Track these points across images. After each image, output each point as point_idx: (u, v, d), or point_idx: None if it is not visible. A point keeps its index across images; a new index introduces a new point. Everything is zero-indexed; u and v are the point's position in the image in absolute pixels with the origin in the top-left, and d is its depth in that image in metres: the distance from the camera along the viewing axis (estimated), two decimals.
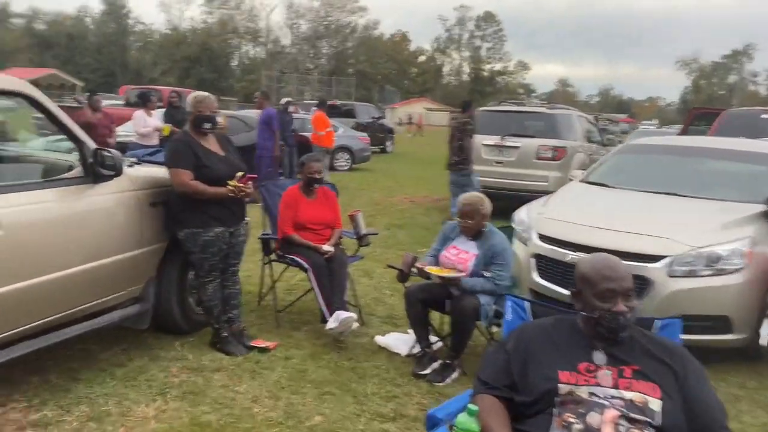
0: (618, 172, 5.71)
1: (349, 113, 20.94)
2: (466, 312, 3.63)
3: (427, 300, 3.86)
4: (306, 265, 4.28)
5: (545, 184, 9.05)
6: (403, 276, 4.00)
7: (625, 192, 5.15)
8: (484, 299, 3.68)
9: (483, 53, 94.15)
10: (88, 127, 8.26)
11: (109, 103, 15.15)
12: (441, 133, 36.85)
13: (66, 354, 3.74)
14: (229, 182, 3.76)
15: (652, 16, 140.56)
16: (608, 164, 5.87)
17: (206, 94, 3.93)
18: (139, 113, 9.16)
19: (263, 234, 4.60)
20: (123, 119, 11.52)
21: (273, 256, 4.60)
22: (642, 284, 4.01)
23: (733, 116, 10.35)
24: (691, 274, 3.99)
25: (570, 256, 4.26)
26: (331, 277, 4.27)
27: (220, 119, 10.15)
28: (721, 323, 3.99)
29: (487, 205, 3.82)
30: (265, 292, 4.84)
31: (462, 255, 3.84)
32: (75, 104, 13.22)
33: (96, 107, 8.94)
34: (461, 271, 3.72)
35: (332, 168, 14.67)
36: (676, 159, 5.60)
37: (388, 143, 22.79)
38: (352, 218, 4.70)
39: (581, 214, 4.69)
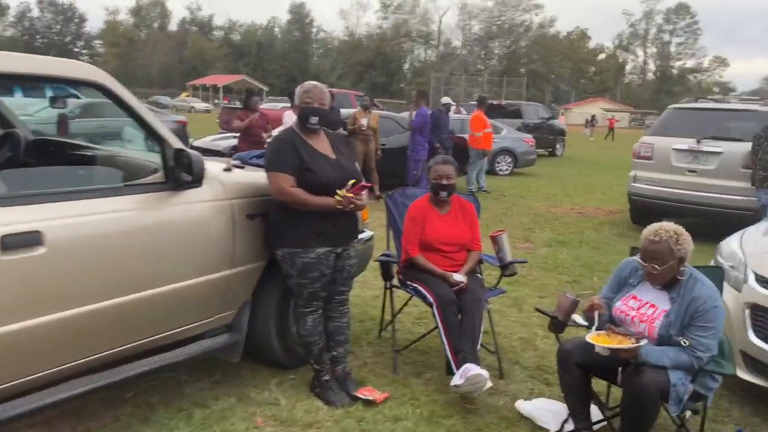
0: None
1: (515, 113, 19.61)
2: (646, 392, 2.51)
3: (590, 365, 2.79)
4: (430, 299, 3.41)
5: (754, 199, 7.22)
6: (557, 325, 2.97)
7: None
8: (675, 376, 2.53)
9: (672, 49, 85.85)
10: (246, 128, 8.24)
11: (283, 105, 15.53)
12: (621, 136, 33.54)
13: (150, 385, 3.28)
14: (338, 191, 3.03)
15: None
16: None
17: (315, 83, 3.23)
18: (288, 113, 8.95)
19: (383, 255, 3.81)
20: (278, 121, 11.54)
21: (395, 281, 3.80)
22: None
23: None
24: None
25: None
26: (462, 317, 3.36)
27: (364, 121, 9.72)
28: None
29: (686, 243, 2.64)
30: (386, 323, 4.05)
31: (646, 311, 2.71)
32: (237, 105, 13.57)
33: (254, 108, 8.90)
34: (642, 338, 2.59)
35: (492, 172, 13.63)
36: None
37: (558, 146, 21.04)
38: (495, 240, 3.73)
39: None
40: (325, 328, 3.31)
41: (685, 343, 2.55)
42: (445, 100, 11.31)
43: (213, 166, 3.17)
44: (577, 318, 3.07)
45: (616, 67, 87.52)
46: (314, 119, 3.13)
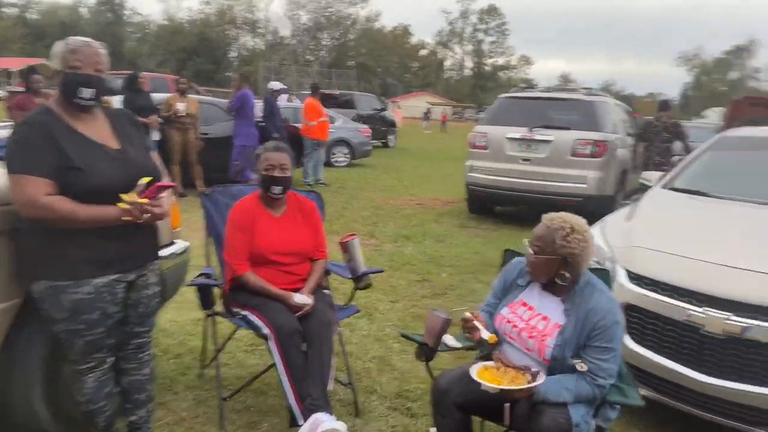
0: (715, 175, 4.06)
1: (348, 104, 19.24)
2: None
3: (473, 404, 2.22)
4: (265, 330, 2.63)
5: (583, 186, 7.42)
6: (427, 353, 2.37)
7: (738, 205, 3.50)
8: (578, 413, 2.04)
9: (486, 47, 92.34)
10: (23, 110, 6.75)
11: None
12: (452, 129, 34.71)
13: None
14: (123, 197, 2.11)
15: (653, 10, 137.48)
16: (699, 165, 4.20)
17: (87, 40, 2.26)
18: (116, 99, 7.61)
19: (201, 274, 2.93)
20: None
21: (218, 308, 2.94)
22: None
23: None
24: None
25: (692, 312, 2.62)
26: (309, 349, 2.62)
27: (180, 106, 8.55)
28: None
29: (577, 244, 2.15)
30: (211, 358, 3.19)
31: (537, 323, 2.20)
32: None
33: (37, 90, 7.33)
34: (538, 373, 2.06)
35: (329, 164, 13.04)
36: None
37: (390, 137, 21.12)
38: (345, 247, 3.03)
39: (692, 241, 3.03)
40: (118, 384, 2.39)
41: (582, 368, 2.08)
42: (276, 85, 10.45)
43: None
44: (450, 340, 2.50)
45: (436, 62, 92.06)
46: (87, 92, 2.16)
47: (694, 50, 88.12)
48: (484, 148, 8.06)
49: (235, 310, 2.83)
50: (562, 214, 2.22)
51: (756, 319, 2.48)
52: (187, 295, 3.76)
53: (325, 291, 3.02)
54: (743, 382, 2.51)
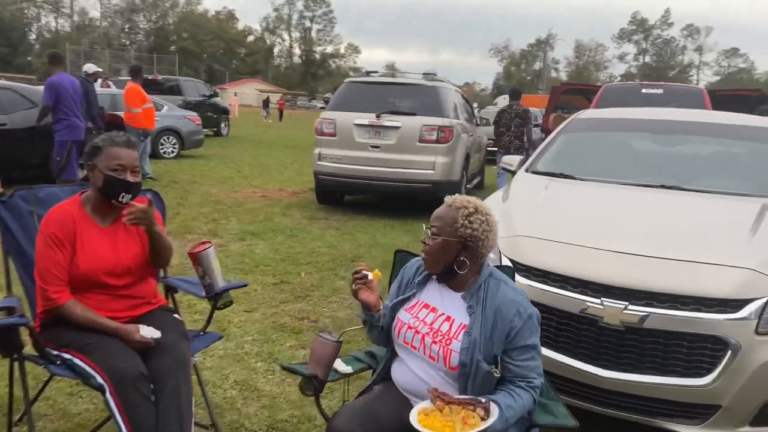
0: (575, 157, 4.09)
1: (174, 90, 17.72)
2: None
3: None
4: (98, 379, 2.00)
5: (431, 172, 7.39)
6: (317, 386, 1.93)
7: (605, 187, 3.51)
8: None
9: (314, 35, 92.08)
10: None
11: None
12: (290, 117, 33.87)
13: None
14: None
15: (468, 5, 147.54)
16: (556, 147, 4.21)
17: None
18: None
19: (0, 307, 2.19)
20: None
21: (29, 350, 2.22)
22: (714, 351, 2.36)
23: (613, 90, 9.56)
24: None
25: (589, 304, 2.48)
26: (158, 398, 2.04)
27: None
28: None
29: (479, 226, 1.87)
30: (19, 416, 2.44)
31: (440, 326, 1.88)
32: None
33: None
34: (488, 404, 1.71)
35: (155, 155, 11.83)
36: (652, 137, 4.11)
37: (222, 125, 19.91)
38: (197, 259, 2.45)
39: (579, 227, 2.91)
40: None
41: (497, 374, 1.80)
42: (91, 67, 9.12)
43: None
44: (341, 366, 2.09)
45: (264, 49, 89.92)
46: None
47: (503, 43, 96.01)
48: (332, 135, 7.69)
49: (53, 353, 2.15)
50: (465, 195, 1.94)
51: (653, 306, 2.39)
52: None
53: (175, 316, 2.43)
54: (642, 373, 2.42)
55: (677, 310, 2.38)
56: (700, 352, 2.37)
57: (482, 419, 1.64)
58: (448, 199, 1.94)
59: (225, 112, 20.56)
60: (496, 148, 9.51)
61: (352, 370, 2.09)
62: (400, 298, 2.01)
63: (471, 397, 1.73)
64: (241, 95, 48.99)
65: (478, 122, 11.29)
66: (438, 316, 1.91)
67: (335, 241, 6.21)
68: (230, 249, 5.70)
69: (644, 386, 2.42)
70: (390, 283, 2.31)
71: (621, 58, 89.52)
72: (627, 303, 2.42)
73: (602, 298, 2.46)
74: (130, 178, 2.25)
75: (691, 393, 2.38)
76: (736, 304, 2.36)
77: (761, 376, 2.33)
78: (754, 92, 9.90)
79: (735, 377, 2.34)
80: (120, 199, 2.24)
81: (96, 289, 2.23)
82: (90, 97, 8.33)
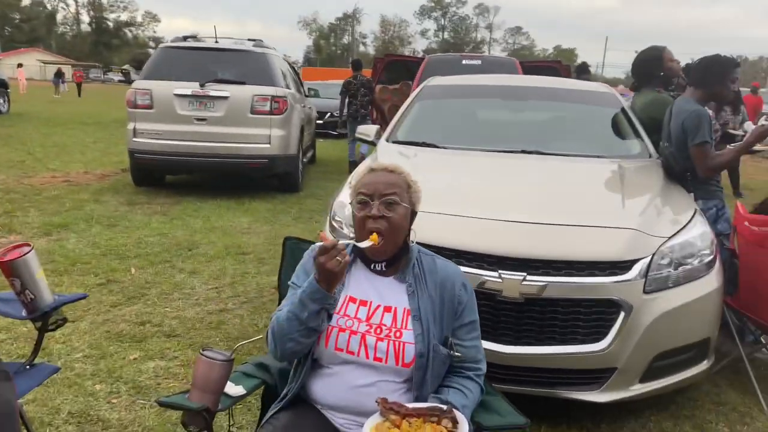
0: (434, 125, 3.95)
1: None
2: None
3: None
4: None
5: (266, 146, 6.91)
6: (207, 419, 1.51)
7: (470, 155, 3.40)
8: None
9: (104, 1, 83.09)
10: None
11: None
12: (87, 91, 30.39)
13: None
14: None
15: None
16: (412, 116, 4.04)
17: None
18: None
19: None
20: None
21: None
22: (608, 315, 2.35)
23: (436, 62, 9.78)
24: (664, 284, 2.46)
25: (487, 278, 2.33)
26: None
27: None
28: (701, 350, 2.61)
29: (419, 193, 1.65)
30: None
31: (380, 319, 1.56)
32: None
33: None
34: (451, 419, 1.38)
35: None
36: (503, 103, 4.11)
37: (1, 100, 17.01)
38: (9, 269, 1.81)
39: (465, 199, 2.73)
40: None
41: (457, 356, 1.55)
42: None
43: None
44: (232, 389, 1.66)
45: (45, 15, 79.26)
46: None
47: (311, 16, 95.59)
48: (149, 107, 6.79)
49: None
50: (383, 164, 1.65)
51: (550, 275, 2.30)
52: None
53: None
54: (543, 345, 2.34)
55: (573, 276, 2.32)
56: (596, 317, 2.35)
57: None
58: (377, 165, 1.62)
59: (4, 85, 17.57)
60: (341, 119, 9.94)
61: (245, 391, 1.68)
62: None
63: (429, 405, 1.43)
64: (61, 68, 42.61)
65: (306, 93, 10.92)
66: (374, 309, 1.57)
67: (164, 228, 5.49)
68: (36, 247, 4.72)
69: (545, 358, 2.35)
70: (280, 278, 1.93)
71: (423, 33, 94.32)
72: (525, 274, 2.31)
73: (499, 271, 2.32)
74: None
75: (589, 359, 2.35)
76: (625, 266, 2.37)
77: (650, 334, 2.37)
78: (556, 63, 10.81)
79: (628, 338, 2.35)
80: None
81: None
82: None
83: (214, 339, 3.22)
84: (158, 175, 7.47)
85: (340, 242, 1.43)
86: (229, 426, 1.68)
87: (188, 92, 6.77)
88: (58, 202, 6.29)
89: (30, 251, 1.86)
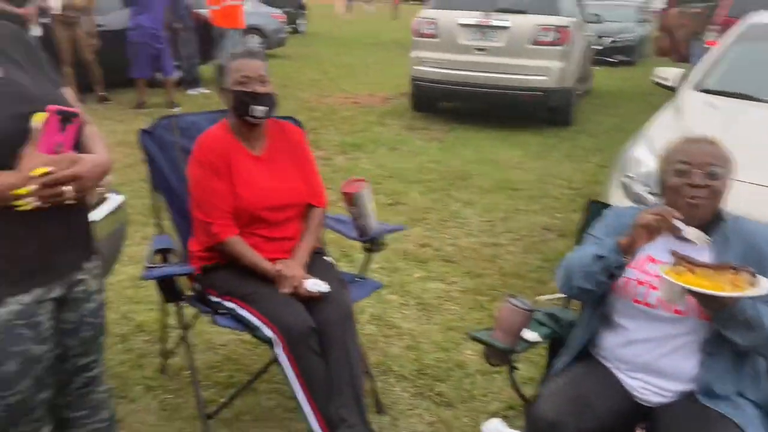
0: (756, 74, 3.47)
1: None
2: None
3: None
4: (268, 332, 1.87)
5: (544, 78, 6.78)
6: (502, 357, 1.74)
7: None
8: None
9: None
10: None
11: None
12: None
13: None
14: (33, 169, 1.22)
15: None
16: (730, 60, 3.62)
17: None
18: None
19: (159, 250, 2.06)
20: None
21: (190, 296, 2.12)
22: None
23: None
24: None
25: None
26: (328, 353, 1.90)
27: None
28: None
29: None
30: (172, 346, 2.40)
31: None
32: None
33: None
34: (750, 273, 1.43)
35: None
36: None
37: (299, 21, 19.28)
38: (351, 198, 2.24)
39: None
40: None
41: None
42: None
43: None
44: (529, 334, 1.86)
45: None
46: None
47: None
48: (433, 36, 7.14)
49: (214, 299, 2.03)
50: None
51: None
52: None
53: (329, 260, 2.27)
54: None
55: None
56: None
57: (750, 285, 1.39)
58: (693, 138, 1.65)
59: (301, 6, 19.83)
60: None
61: (540, 338, 1.86)
62: None
63: (721, 262, 1.50)
64: None
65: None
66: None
67: (440, 155, 5.89)
68: (335, 162, 5.51)
69: None
70: (581, 235, 2.02)
71: None
72: None
73: None
74: (258, 88, 2.01)
75: None
76: None
77: None
78: None
79: None
80: (251, 114, 2.02)
81: (252, 227, 2.06)
82: None
83: (489, 271, 3.48)
84: (435, 102, 7.91)
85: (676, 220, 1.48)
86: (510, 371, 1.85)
87: (472, 22, 6.92)
88: (350, 123, 7.13)
89: (365, 186, 2.25)
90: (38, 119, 1.24)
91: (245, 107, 2.01)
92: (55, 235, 1.38)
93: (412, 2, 35.42)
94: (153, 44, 7.11)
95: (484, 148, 6.17)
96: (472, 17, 6.90)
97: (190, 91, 8.37)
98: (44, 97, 1.33)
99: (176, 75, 7.73)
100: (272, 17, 12.74)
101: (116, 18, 7.61)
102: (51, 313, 1.42)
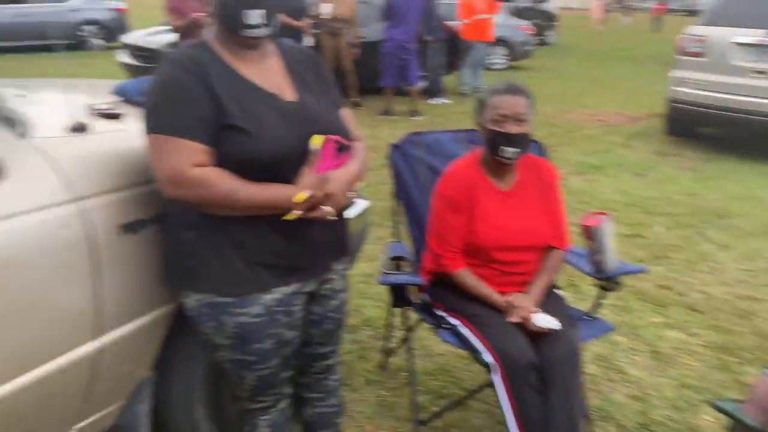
0: None
1: None
2: None
3: None
4: (488, 358, 1.87)
5: None
6: None
7: None
8: None
9: None
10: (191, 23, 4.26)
11: None
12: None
13: None
14: (298, 195, 1.38)
15: None
16: None
17: None
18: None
19: (394, 257, 2.19)
20: None
21: (417, 304, 2.22)
22: None
23: None
24: None
25: None
26: (549, 392, 1.83)
27: (325, 8, 7.70)
28: None
29: None
30: (394, 345, 2.53)
31: None
32: None
33: None
34: None
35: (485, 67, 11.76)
36: None
37: (548, 33, 18.91)
38: (590, 232, 2.13)
39: None
40: (300, 417, 1.80)
41: None
42: None
43: (45, 124, 1.49)
44: None
45: None
46: (255, 16, 1.40)
47: None
48: (700, 55, 6.44)
49: (440, 313, 2.09)
50: None
51: None
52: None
53: (558, 293, 2.18)
54: None
55: None
56: None
57: None
58: None
59: (551, 18, 19.43)
60: None
61: None
62: None
63: None
64: None
65: None
66: None
67: (695, 187, 5.30)
68: (569, 183, 5.28)
69: None
70: None
71: None
72: None
73: None
74: (512, 128, 1.97)
75: None
76: None
77: None
78: None
79: None
80: (501, 154, 2.00)
81: (485, 261, 2.07)
82: (431, 4, 8.32)
83: (742, 328, 3.04)
84: (693, 127, 7.13)
85: None
86: None
87: (750, 41, 6.08)
88: (591, 142, 6.78)
89: (607, 219, 2.11)
90: (316, 142, 1.40)
91: (496, 147, 2.00)
92: (318, 239, 1.54)
93: (678, 14, 32.15)
94: (400, 55, 7.59)
95: (749, 184, 5.38)
96: (751, 36, 6.06)
97: (432, 101, 8.76)
98: (327, 122, 1.50)
99: (421, 85, 8.14)
100: (519, 29, 12.69)
101: (374, 30, 8.26)
102: (303, 304, 1.60)
